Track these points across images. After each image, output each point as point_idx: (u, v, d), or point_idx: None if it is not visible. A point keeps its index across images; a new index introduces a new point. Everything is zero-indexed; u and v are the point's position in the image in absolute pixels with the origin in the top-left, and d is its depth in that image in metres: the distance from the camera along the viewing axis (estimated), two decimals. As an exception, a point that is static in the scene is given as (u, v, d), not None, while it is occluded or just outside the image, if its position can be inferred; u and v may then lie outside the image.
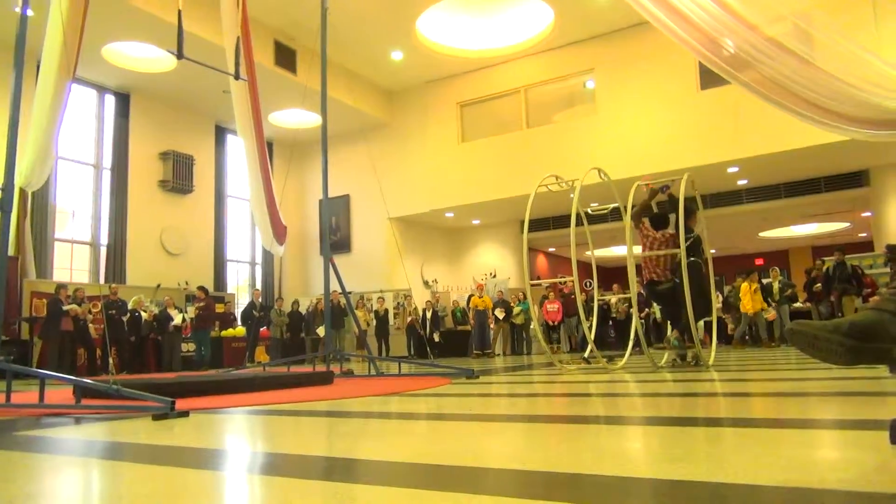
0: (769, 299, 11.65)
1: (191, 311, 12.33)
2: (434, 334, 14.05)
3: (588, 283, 12.30)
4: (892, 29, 10.88)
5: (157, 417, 3.20)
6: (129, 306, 11.62)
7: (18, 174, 7.51)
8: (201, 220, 15.12)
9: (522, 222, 7.39)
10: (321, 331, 12.22)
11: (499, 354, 13.89)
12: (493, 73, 15.31)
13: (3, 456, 2.26)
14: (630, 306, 9.11)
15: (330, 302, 8.01)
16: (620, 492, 1.42)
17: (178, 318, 11.88)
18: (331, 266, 7.39)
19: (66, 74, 7.18)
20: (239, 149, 12.07)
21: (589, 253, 8.18)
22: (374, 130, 15.91)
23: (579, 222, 6.82)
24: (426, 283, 16.91)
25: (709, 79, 12.04)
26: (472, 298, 14.45)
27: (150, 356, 11.97)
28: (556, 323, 13.67)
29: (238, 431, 2.93)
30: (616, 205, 7.31)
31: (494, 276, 16.68)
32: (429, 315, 14.26)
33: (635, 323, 6.68)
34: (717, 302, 9.20)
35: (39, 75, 7.87)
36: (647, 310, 11.31)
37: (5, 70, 6.13)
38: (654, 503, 1.34)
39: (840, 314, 10.40)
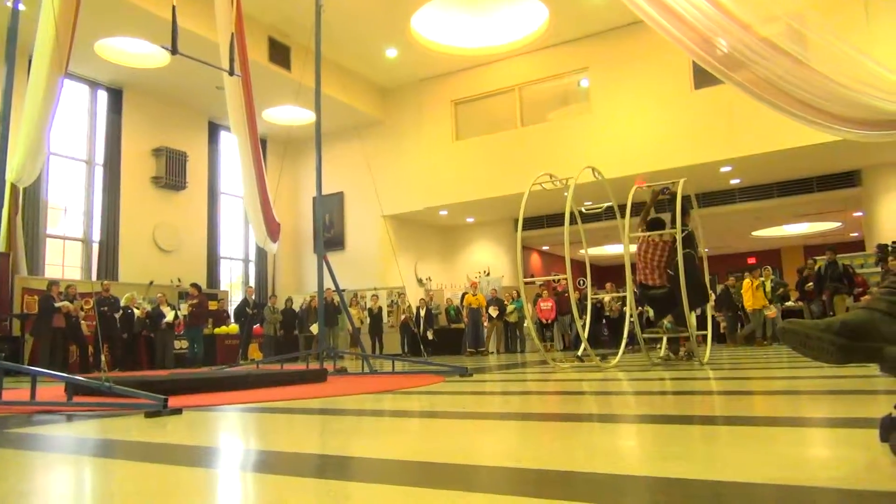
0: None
1: (184, 309, 12.29)
2: (428, 332, 14.05)
3: (581, 282, 12.33)
4: (884, 29, 10.94)
5: (149, 415, 3.19)
6: (122, 303, 11.56)
7: (10, 170, 7.46)
8: (194, 217, 15.06)
9: (516, 220, 7.40)
10: (315, 328, 12.21)
11: (492, 352, 13.90)
12: (488, 72, 15.31)
13: (-7, 453, 2.24)
14: (623, 305, 9.16)
15: (324, 299, 8.00)
16: (613, 489, 1.43)
17: (169, 316, 11.83)
18: (324, 263, 7.38)
19: (59, 70, 7.13)
20: (232, 145, 12.02)
21: (583, 251, 8.20)
22: (368, 128, 15.88)
23: (573, 221, 6.84)
24: (420, 281, 16.90)
25: (702, 78, 12.07)
26: (466, 296, 14.46)
27: (143, 353, 11.92)
28: (549, 321, 13.70)
29: (231, 429, 2.92)
30: (610, 204, 7.33)
31: (488, 275, 16.69)
32: (422, 313, 14.26)
33: (633, 317, 6.74)
34: (710, 300, 9.26)
35: (31, 70, 7.83)
36: (640, 308, 11.36)
37: (-3, 65, 6.09)
38: (646, 501, 1.35)
39: (831, 313, 10.46)
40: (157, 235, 14.10)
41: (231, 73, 6.97)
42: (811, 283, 11.28)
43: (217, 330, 13.51)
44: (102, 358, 8.54)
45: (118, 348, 11.41)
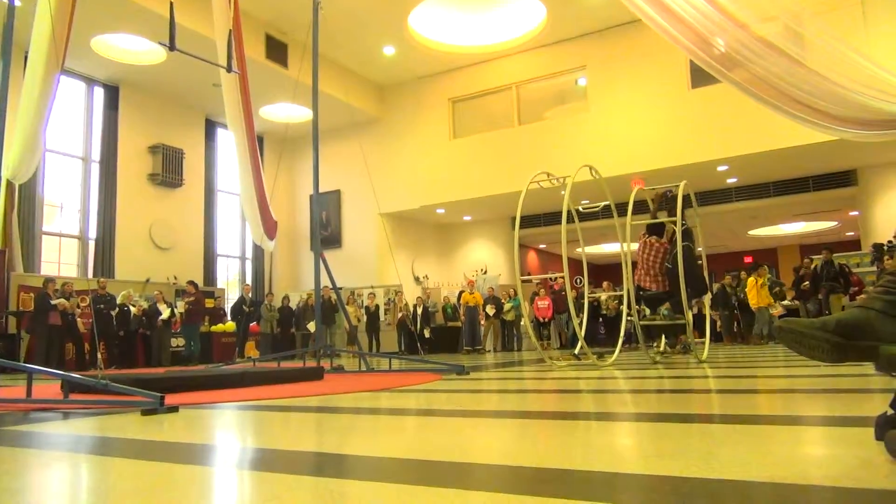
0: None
1: (181, 306, 12.27)
2: (425, 330, 14.06)
3: (578, 280, 12.35)
4: (881, 29, 10.96)
5: (145, 412, 3.19)
6: (118, 301, 11.53)
7: (6, 166, 7.44)
8: (191, 215, 15.03)
9: (513, 219, 7.42)
10: (312, 326, 12.19)
11: (489, 351, 13.91)
12: (485, 70, 15.30)
13: (-11, 451, 2.24)
14: (620, 304, 9.19)
15: (321, 297, 8.00)
16: (610, 487, 1.43)
17: (166, 313, 11.81)
18: (321, 261, 7.38)
19: (55, 66, 7.11)
20: (229, 143, 12.00)
21: (579, 250, 8.21)
22: (365, 126, 15.86)
23: (570, 219, 6.86)
24: (417, 279, 16.90)
25: (700, 77, 12.08)
26: (463, 295, 14.46)
27: (139, 351, 11.90)
28: (546, 319, 13.71)
29: (227, 427, 2.92)
30: (607, 202, 7.35)
31: (485, 273, 16.70)
32: (419, 311, 14.27)
33: (633, 316, 6.79)
34: (706, 299, 9.28)
35: (27, 66, 7.79)
36: (637, 307, 11.39)
37: (-8, 61, 6.06)
38: (642, 498, 1.35)
39: (827, 312, 10.50)
40: (154, 233, 14.07)
41: (229, 69, 6.95)
42: (807, 283, 11.32)
43: (214, 328, 13.50)
44: (99, 355, 8.52)
45: (114, 346, 11.39)
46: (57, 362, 9.69)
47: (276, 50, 13.46)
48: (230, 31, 7.20)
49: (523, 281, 8.39)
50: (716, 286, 13.19)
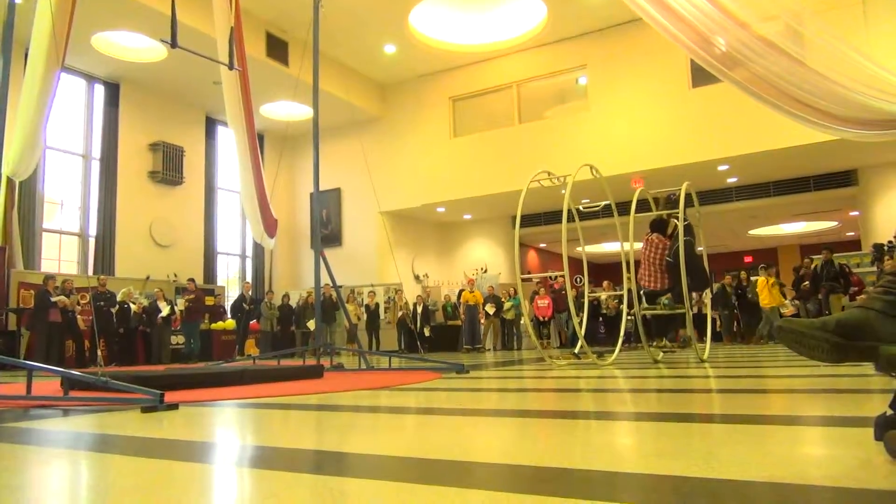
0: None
1: (181, 304, 12.27)
2: (424, 329, 14.06)
3: (578, 279, 12.34)
4: (882, 29, 10.95)
5: (145, 410, 3.19)
6: (118, 298, 11.54)
7: (6, 163, 7.43)
8: (191, 212, 15.03)
9: (514, 217, 7.43)
10: (312, 324, 12.20)
11: (489, 349, 13.91)
12: (486, 68, 15.29)
13: (-11, 448, 2.24)
14: (620, 303, 9.20)
15: (321, 295, 8.00)
16: (609, 486, 1.43)
17: (165, 310, 11.81)
18: (322, 259, 7.38)
19: (55, 63, 7.10)
20: (230, 141, 11.99)
21: (580, 249, 8.21)
22: (365, 124, 15.86)
23: (571, 218, 6.86)
24: (417, 278, 16.90)
25: (700, 77, 12.07)
26: (463, 293, 14.46)
27: (139, 348, 11.90)
28: (546, 318, 13.71)
29: (227, 424, 2.92)
30: (608, 202, 7.35)
31: (485, 272, 16.69)
32: (419, 310, 14.27)
33: (636, 312, 6.82)
34: (706, 297, 9.29)
35: (27, 64, 7.79)
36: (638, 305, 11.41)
37: (-7, 58, 6.06)
38: (642, 498, 1.35)
39: (827, 312, 10.49)
40: (154, 230, 14.07)
41: (231, 67, 6.94)
42: (807, 283, 11.32)
43: (213, 325, 13.50)
44: (99, 353, 8.53)
45: (114, 343, 11.39)
46: (57, 359, 9.69)
47: (277, 48, 13.45)
48: (231, 28, 7.18)
49: (523, 280, 8.39)
50: (716, 286, 13.20)
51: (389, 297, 15.01)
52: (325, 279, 7.64)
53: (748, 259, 23.23)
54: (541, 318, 13.68)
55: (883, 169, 13.30)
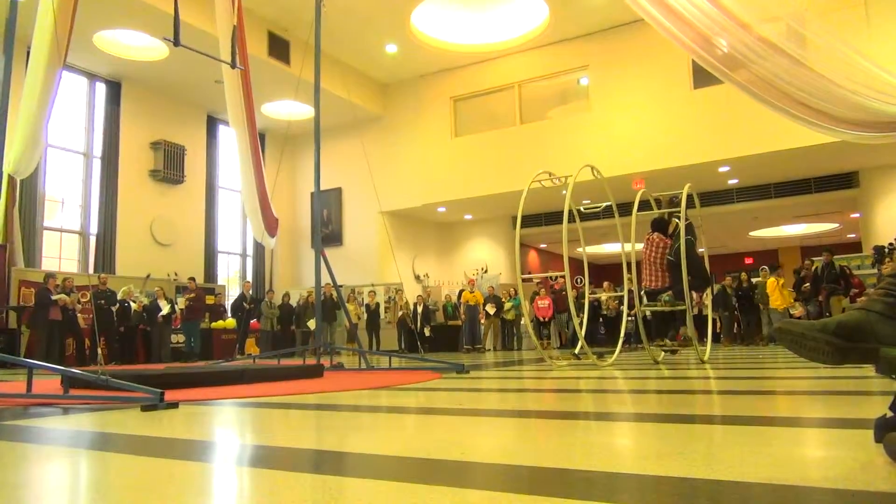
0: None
1: (181, 303, 12.27)
2: (425, 329, 14.06)
3: (579, 280, 12.34)
4: (884, 30, 10.95)
5: (145, 408, 3.19)
6: (119, 296, 11.55)
7: (7, 162, 7.43)
8: (192, 211, 15.04)
9: (514, 218, 7.43)
10: (312, 324, 12.20)
11: (489, 350, 13.91)
12: (487, 69, 15.29)
13: (-11, 445, 2.24)
14: (620, 304, 9.20)
15: (321, 295, 8.00)
16: (609, 487, 1.43)
17: (165, 309, 11.82)
18: (322, 259, 7.38)
19: (57, 61, 7.10)
20: (231, 140, 12.00)
21: (580, 250, 8.21)
22: (367, 123, 15.86)
23: (571, 219, 6.86)
24: (417, 278, 16.91)
25: (702, 78, 12.07)
26: (464, 293, 14.46)
27: (140, 347, 11.91)
28: (546, 319, 13.71)
29: (227, 423, 2.92)
30: (609, 203, 7.35)
31: (486, 272, 16.70)
32: (419, 309, 14.27)
33: (639, 311, 6.83)
34: (707, 298, 9.29)
35: (29, 62, 7.79)
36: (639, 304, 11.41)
37: (-5, 56, 6.06)
38: (641, 499, 1.35)
39: (828, 314, 10.49)
40: (155, 229, 14.08)
41: (234, 65, 6.94)
42: (808, 284, 11.31)
43: (214, 324, 13.50)
44: (99, 351, 8.53)
45: (115, 342, 11.40)
46: (57, 357, 9.69)
47: (279, 47, 13.45)
48: (234, 27, 7.18)
49: (524, 280, 8.39)
50: (716, 287, 13.20)
51: (390, 297, 15.01)
52: (325, 279, 7.64)
53: (749, 260, 23.22)
54: (541, 319, 13.68)
55: (884, 171, 13.29)
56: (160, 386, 3.47)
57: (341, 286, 8.88)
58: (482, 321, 14.05)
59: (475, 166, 14.95)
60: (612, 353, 7.41)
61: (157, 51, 12.49)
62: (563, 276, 6.83)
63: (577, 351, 7.55)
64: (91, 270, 12.90)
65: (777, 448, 1.84)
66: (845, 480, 1.39)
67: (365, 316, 14.06)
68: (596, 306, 12.98)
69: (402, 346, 13.94)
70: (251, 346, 13.52)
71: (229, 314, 13.88)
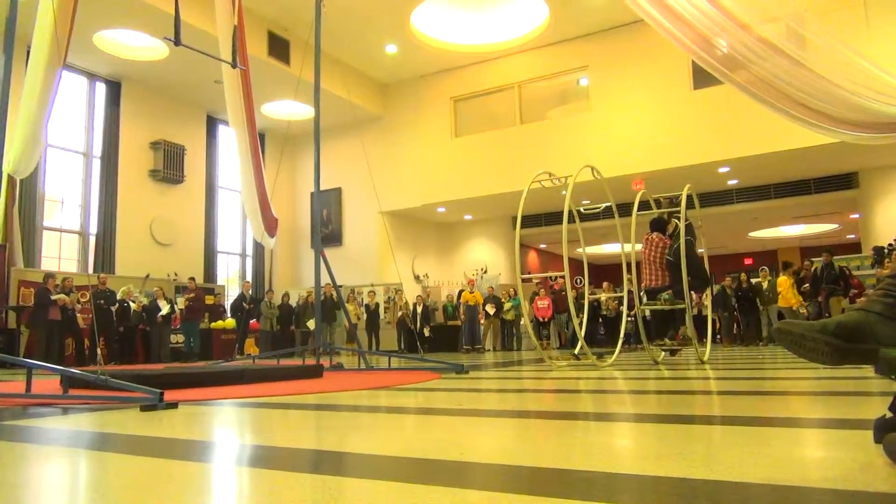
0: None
1: (181, 303, 12.27)
2: (424, 329, 14.06)
3: (579, 280, 12.34)
4: (883, 31, 10.95)
5: (145, 409, 3.19)
6: (118, 296, 11.54)
7: (7, 161, 7.43)
8: (192, 211, 15.03)
9: (514, 218, 7.44)
10: (311, 324, 12.20)
11: (489, 350, 13.91)
12: (487, 69, 15.29)
13: (-12, 445, 2.24)
14: (620, 304, 9.20)
15: (321, 295, 7.99)
16: (608, 488, 1.43)
17: (165, 309, 11.82)
18: (322, 259, 7.37)
19: (57, 61, 7.09)
20: (231, 140, 12.00)
21: (580, 250, 8.21)
22: (366, 123, 15.86)
23: (571, 219, 6.86)
24: (417, 278, 16.91)
25: (701, 79, 12.08)
26: (463, 293, 14.46)
27: (139, 347, 11.91)
28: (546, 319, 13.71)
29: (226, 424, 2.92)
30: (608, 203, 7.35)
31: (485, 272, 16.70)
32: (419, 310, 14.27)
33: (640, 311, 6.83)
34: (707, 299, 9.30)
35: (29, 61, 7.78)
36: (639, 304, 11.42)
37: (-6, 56, 6.06)
38: (641, 499, 1.35)
39: (827, 314, 10.49)
40: (155, 229, 14.08)
41: (234, 65, 6.94)
42: (807, 285, 11.32)
43: (213, 324, 13.50)
44: (98, 351, 8.53)
45: (114, 342, 11.39)
46: (56, 357, 9.69)
47: (279, 47, 13.45)
48: (235, 26, 7.18)
49: (523, 280, 8.39)
50: (716, 287, 13.20)
51: (389, 297, 15.01)
52: (325, 279, 7.64)
53: (748, 261, 23.23)
54: (541, 319, 13.68)
55: (883, 172, 13.30)
56: (159, 386, 3.47)
57: (341, 286, 8.88)
58: (482, 321, 14.05)
59: (475, 166, 14.95)
60: (612, 353, 7.41)
61: (157, 51, 12.49)
62: (563, 277, 6.83)
63: (576, 351, 7.55)
64: (90, 270, 12.90)
65: (776, 448, 1.85)
66: (845, 481, 1.39)
67: (364, 316, 14.05)
68: (595, 307, 12.98)
69: (402, 346, 13.93)
70: (251, 346, 13.51)
71: (229, 314, 13.88)
